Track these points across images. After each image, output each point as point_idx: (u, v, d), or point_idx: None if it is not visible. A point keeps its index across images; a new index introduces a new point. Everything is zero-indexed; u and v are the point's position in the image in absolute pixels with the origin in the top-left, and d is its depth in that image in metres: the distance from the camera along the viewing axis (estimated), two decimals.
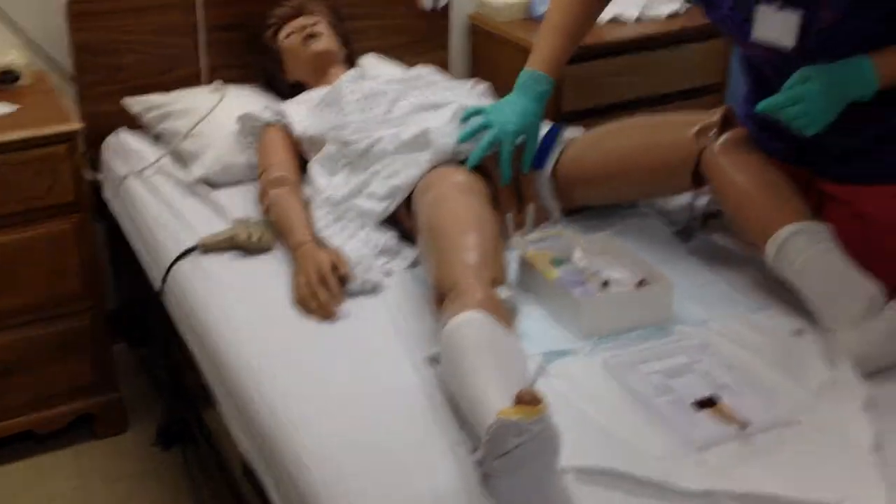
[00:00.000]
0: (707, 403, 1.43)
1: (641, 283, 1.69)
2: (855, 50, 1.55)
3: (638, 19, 2.88)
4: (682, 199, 2.00)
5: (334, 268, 1.74)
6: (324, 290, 1.70)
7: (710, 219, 1.99)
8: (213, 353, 1.69)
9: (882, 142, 1.69)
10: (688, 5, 2.96)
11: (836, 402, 1.44)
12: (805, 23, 1.58)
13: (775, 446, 1.36)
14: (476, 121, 1.91)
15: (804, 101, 1.55)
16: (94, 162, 2.41)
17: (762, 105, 1.59)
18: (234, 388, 1.59)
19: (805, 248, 1.61)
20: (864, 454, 1.34)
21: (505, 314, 1.52)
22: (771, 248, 1.65)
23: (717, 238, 1.97)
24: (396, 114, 2.10)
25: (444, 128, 1.96)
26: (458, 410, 1.40)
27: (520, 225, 1.93)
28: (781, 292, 1.70)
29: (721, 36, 2.83)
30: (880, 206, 1.71)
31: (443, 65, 2.75)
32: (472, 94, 2.21)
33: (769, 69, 1.74)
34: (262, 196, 2.00)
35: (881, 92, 1.57)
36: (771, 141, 1.79)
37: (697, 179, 1.81)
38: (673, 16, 2.91)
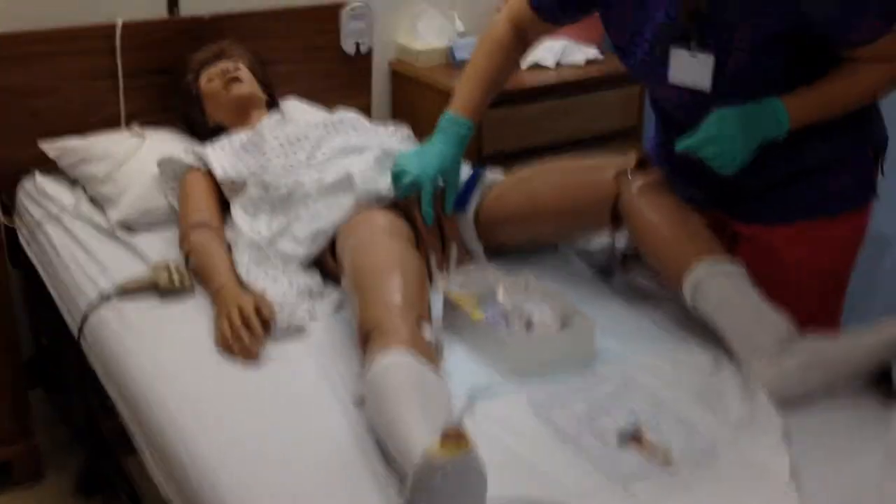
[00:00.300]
0: (631, 438, 1.45)
1: (564, 323, 1.71)
2: (766, 90, 1.61)
3: (557, 65, 2.96)
4: (602, 239, 2.04)
5: (257, 310, 1.72)
6: (247, 333, 1.68)
7: (630, 258, 2.03)
8: (132, 399, 1.65)
9: (794, 180, 1.75)
10: (603, 54, 3.04)
11: (755, 435, 1.47)
12: (717, 65, 1.64)
13: (697, 479, 1.38)
14: (394, 171, 1.93)
15: (720, 140, 1.61)
16: (10, 207, 2.35)
17: (681, 144, 1.64)
18: (155, 434, 1.55)
19: (719, 286, 1.65)
20: (782, 484, 1.36)
21: (430, 353, 1.52)
22: (687, 285, 1.69)
23: (637, 277, 2.01)
24: (319, 158, 2.11)
25: (366, 171, 1.97)
26: (386, 451, 1.39)
27: (443, 266, 1.94)
28: (699, 328, 1.74)
29: (637, 82, 2.92)
30: (794, 246, 1.77)
31: (365, 109, 2.78)
32: (394, 138, 2.23)
33: (681, 113, 1.80)
34: (184, 240, 1.98)
35: (792, 131, 1.63)
36: (684, 185, 1.83)
37: (616, 220, 1.84)
38: (590, 62, 2.99)
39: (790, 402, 1.55)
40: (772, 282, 1.71)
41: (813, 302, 1.75)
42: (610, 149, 2.70)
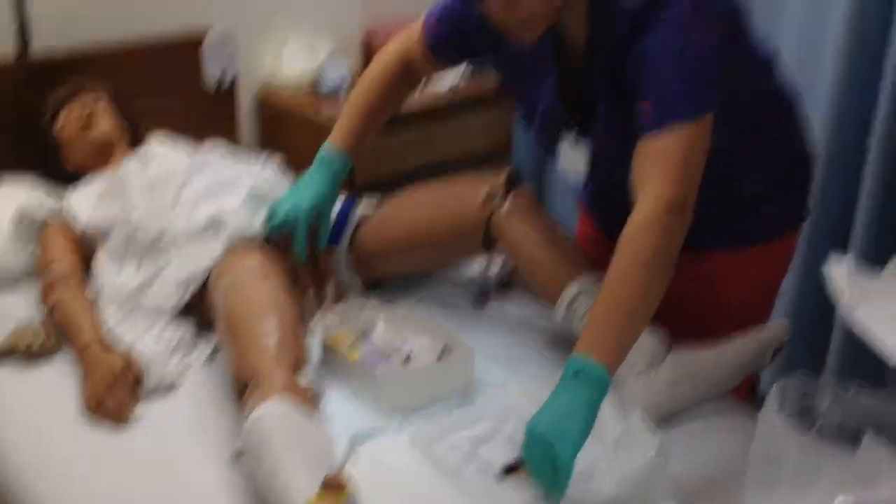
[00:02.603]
0: (513, 469, 1.46)
1: (444, 352, 1.71)
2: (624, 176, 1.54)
3: (422, 91, 2.96)
4: (477, 266, 2.05)
5: (126, 368, 1.67)
6: (115, 394, 1.62)
7: (506, 283, 2.05)
8: None
9: (729, 210, 1.71)
10: (466, 77, 3.05)
11: (631, 453, 1.49)
12: (590, 150, 1.64)
13: (576, 501, 1.39)
14: (269, 208, 1.89)
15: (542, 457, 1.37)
16: None
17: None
18: None
19: (588, 305, 1.68)
20: (661, 499, 1.40)
21: (308, 399, 1.50)
22: (560, 306, 1.71)
23: (514, 300, 2.03)
24: (186, 197, 2.05)
25: (236, 211, 1.93)
26: None
27: (321, 302, 1.92)
28: None
29: (502, 104, 2.95)
30: (726, 270, 1.74)
31: (233, 142, 2.73)
32: (263, 171, 2.19)
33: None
34: (45, 296, 1.89)
35: (722, 162, 1.56)
36: (618, 219, 1.80)
37: (489, 243, 1.85)
38: (454, 87, 3.00)
39: (664, 416, 1.59)
40: (701, 304, 1.74)
41: (744, 318, 1.74)
42: (482, 170, 2.73)
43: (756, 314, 1.79)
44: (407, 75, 1.89)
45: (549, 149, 1.74)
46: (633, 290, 1.41)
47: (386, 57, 1.89)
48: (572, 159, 1.68)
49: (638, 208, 1.44)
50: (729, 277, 1.76)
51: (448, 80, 2.99)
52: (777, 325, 1.66)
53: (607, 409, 1.59)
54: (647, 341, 1.63)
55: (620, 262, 1.43)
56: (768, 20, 2.49)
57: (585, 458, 1.46)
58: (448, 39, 1.77)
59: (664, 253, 1.43)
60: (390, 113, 1.95)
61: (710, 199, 1.66)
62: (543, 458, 1.34)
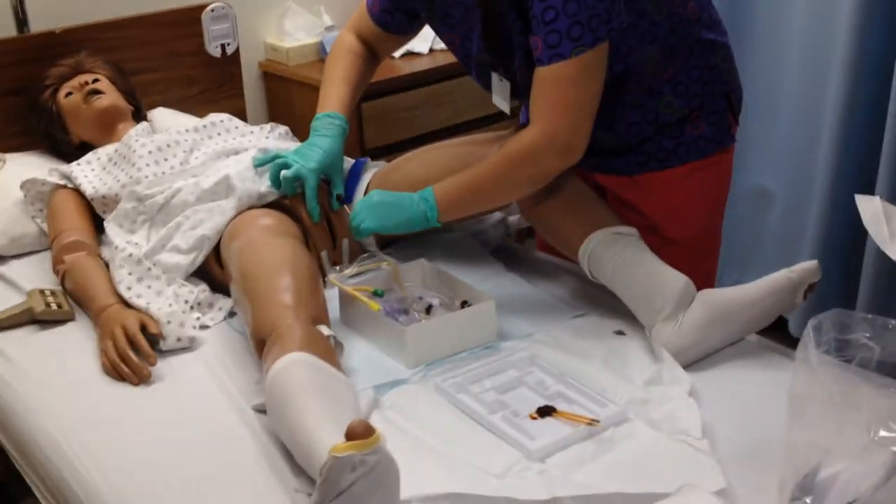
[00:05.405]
0: (546, 412, 1.43)
1: (464, 305, 1.68)
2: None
3: (430, 51, 2.92)
4: (494, 217, 2.02)
5: (143, 327, 1.64)
6: (134, 353, 1.59)
7: (524, 233, 2.01)
8: (19, 439, 1.55)
9: (650, 133, 1.75)
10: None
11: (664, 395, 1.47)
12: (514, 85, 1.72)
13: (611, 445, 1.36)
14: (276, 164, 1.87)
15: (366, 216, 1.73)
16: None
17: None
18: (48, 472, 1.46)
19: (614, 253, 1.65)
20: (695, 441, 1.36)
21: (329, 351, 1.47)
22: (582, 256, 1.68)
23: (532, 251, 2.00)
24: (194, 163, 2.03)
25: (245, 173, 1.90)
26: (293, 457, 1.33)
27: (336, 261, 1.89)
28: (600, 296, 1.74)
29: None
30: (654, 194, 1.79)
31: (239, 112, 2.69)
32: (270, 137, 2.16)
33: None
34: (57, 263, 1.87)
35: (641, 85, 1.68)
36: None
37: None
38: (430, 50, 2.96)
39: (694, 359, 1.56)
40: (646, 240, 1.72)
41: (685, 252, 1.77)
42: (492, 130, 2.69)
43: (702, 249, 1.85)
44: (368, 51, 1.98)
45: (485, 90, 1.81)
46: (491, 183, 1.66)
47: (344, 39, 1.98)
48: (501, 95, 1.77)
49: (529, 131, 1.60)
50: (654, 200, 1.79)
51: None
52: (808, 264, 1.62)
53: (637, 352, 1.57)
54: (674, 284, 1.59)
55: (496, 160, 1.65)
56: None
57: (617, 401, 1.44)
58: (389, 7, 1.89)
59: (533, 179, 1.65)
60: (364, 83, 2.02)
61: (634, 124, 1.74)
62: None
